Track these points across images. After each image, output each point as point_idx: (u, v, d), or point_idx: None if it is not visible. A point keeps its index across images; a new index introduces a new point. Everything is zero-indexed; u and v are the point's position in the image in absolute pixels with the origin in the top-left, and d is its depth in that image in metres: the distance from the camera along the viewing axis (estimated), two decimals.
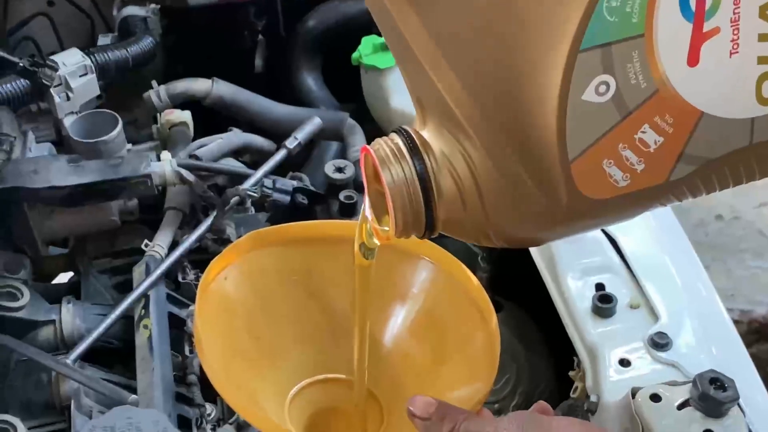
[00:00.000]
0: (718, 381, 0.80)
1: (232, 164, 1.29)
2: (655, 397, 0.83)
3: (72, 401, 1.05)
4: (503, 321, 1.27)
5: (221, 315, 0.80)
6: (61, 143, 1.31)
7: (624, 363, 0.91)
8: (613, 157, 0.51)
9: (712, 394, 0.79)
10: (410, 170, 0.56)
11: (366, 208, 0.63)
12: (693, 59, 0.48)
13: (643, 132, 0.50)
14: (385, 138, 0.59)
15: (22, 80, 1.23)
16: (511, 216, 0.56)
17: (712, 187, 0.53)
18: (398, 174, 0.56)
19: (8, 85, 1.22)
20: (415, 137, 0.57)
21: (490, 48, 0.51)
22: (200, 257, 1.19)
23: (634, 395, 0.84)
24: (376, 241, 0.66)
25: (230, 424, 0.99)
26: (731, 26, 0.47)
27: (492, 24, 0.50)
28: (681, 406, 0.81)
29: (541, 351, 1.26)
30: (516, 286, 1.29)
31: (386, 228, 0.61)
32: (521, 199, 0.54)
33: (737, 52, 0.48)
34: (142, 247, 1.19)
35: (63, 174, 1.15)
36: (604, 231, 1.06)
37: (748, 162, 0.52)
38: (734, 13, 0.47)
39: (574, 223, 0.56)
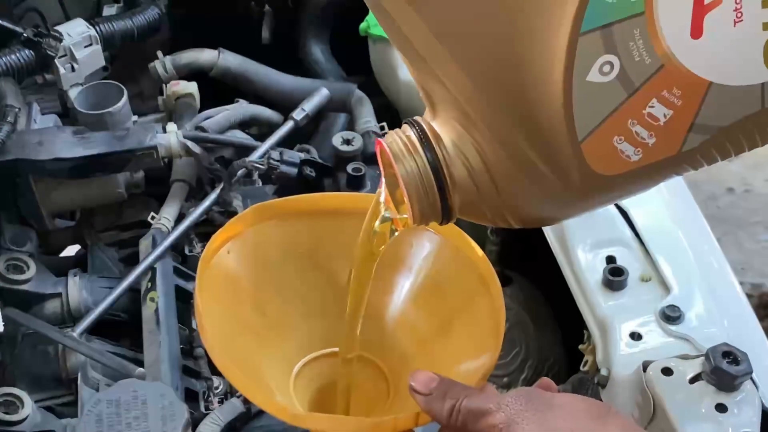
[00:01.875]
0: (731, 354, 0.79)
1: (239, 136, 1.28)
2: (667, 371, 0.82)
3: (79, 374, 1.05)
4: (512, 295, 1.27)
5: (225, 289, 0.79)
6: (67, 115, 1.30)
7: (635, 336, 0.90)
8: (623, 133, 0.51)
9: (725, 368, 0.78)
10: (423, 162, 0.57)
11: (382, 195, 0.64)
12: (696, 32, 0.48)
13: (652, 107, 0.50)
14: (397, 131, 0.60)
15: (26, 51, 1.22)
16: (526, 198, 0.57)
17: (727, 153, 0.53)
18: (412, 167, 0.58)
19: (12, 56, 1.21)
20: (426, 129, 0.58)
21: (491, 40, 0.52)
22: (207, 230, 1.18)
23: (645, 369, 0.83)
24: (395, 232, 0.67)
25: (237, 397, 0.98)
26: None
27: (491, 15, 0.51)
28: (693, 380, 0.80)
29: (550, 325, 1.26)
30: (525, 260, 1.28)
31: (405, 216, 0.62)
32: (535, 181, 0.55)
33: (741, 20, 0.48)
34: (149, 219, 1.18)
35: (68, 146, 1.14)
36: (615, 204, 1.05)
37: (762, 126, 0.52)
38: None
39: (589, 200, 0.57)
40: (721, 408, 0.78)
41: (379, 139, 0.61)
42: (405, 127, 0.60)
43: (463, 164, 0.56)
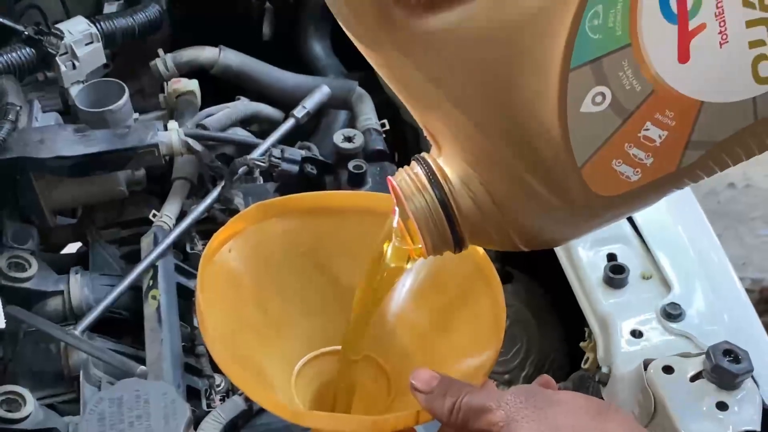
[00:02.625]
0: (731, 353, 0.80)
1: (240, 134, 1.28)
2: (668, 369, 0.82)
3: (81, 372, 1.05)
4: (514, 292, 1.27)
5: (226, 287, 0.79)
6: (68, 112, 1.30)
7: (636, 334, 0.90)
8: (621, 156, 0.53)
9: (726, 366, 0.78)
10: (432, 199, 0.60)
11: (395, 222, 0.66)
12: (683, 56, 0.49)
13: (647, 129, 0.52)
14: (406, 168, 0.63)
15: (27, 49, 1.22)
16: (533, 225, 0.59)
17: (725, 165, 0.55)
18: (422, 204, 0.61)
19: (13, 54, 1.21)
20: (433, 166, 0.61)
21: (486, 83, 0.54)
22: (208, 227, 1.18)
23: (646, 367, 0.83)
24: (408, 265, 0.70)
25: (239, 395, 0.98)
26: (716, 20, 0.48)
27: (484, 60, 0.53)
28: (694, 378, 0.81)
29: (551, 322, 1.26)
30: (527, 257, 1.28)
31: (419, 246, 0.64)
32: (540, 208, 0.57)
33: (727, 42, 0.49)
34: (150, 217, 1.18)
35: (70, 144, 1.14)
36: None
37: (758, 136, 0.53)
38: (717, 7, 0.48)
39: (594, 220, 0.59)
40: (722, 406, 0.78)
41: (390, 177, 0.64)
42: (413, 164, 0.63)
43: (470, 197, 0.59)
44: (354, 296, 0.75)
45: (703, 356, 0.81)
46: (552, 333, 1.25)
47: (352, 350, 0.76)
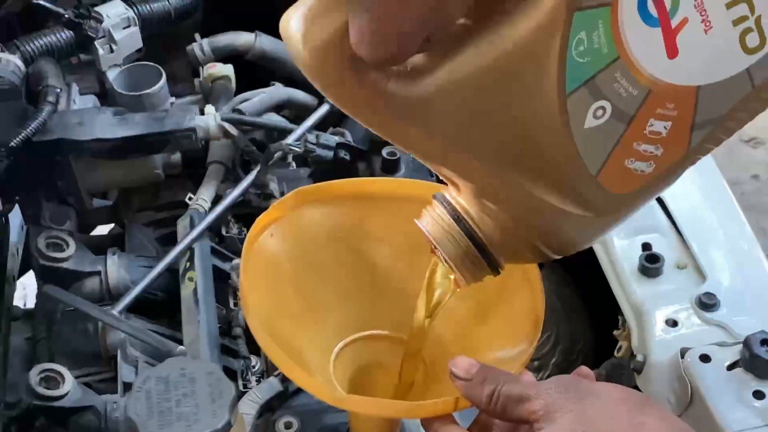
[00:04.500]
0: None
1: (275, 119, 1.29)
2: (705, 358, 0.82)
3: (118, 352, 1.07)
4: (543, 279, 1.28)
5: (267, 271, 0.80)
6: (104, 95, 1.31)
7: (671, 323, 0.91)
8: (632, 155, 0.55)
9: (764, 356, 0.79)
10: (461, 236, 0.62)
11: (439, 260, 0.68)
12: (672, 52, 0.50)
13: (651, 126, 0.54)
14: (429, 210, 0.65)
15: (65, 32, 1.23)
16: (561, 236, 0.61)
17: (731, 132, 0.56)
18: (452, 244, 0.63)
19: (53, 36, 1.22)
20: (453, 203, 0.62)
21: (488, 127, 0.54)
22: (243, 211, 1.19)
23: (683, 355, 0.84)
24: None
25: (275, 376, 1.00)
26: (697, 11, 0.49)
27: (481, 107, 0.53)
28: (731, 367, 0.81)
29: (580, 310, 1.26)
30: None
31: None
32: (565, 221, 0.58)
33: (711, 27, 0.50)
34: (186, 200, 1.19)
35: (108, 126, 1.15)
36: None
37: (759, 99, 0.54)
38: (696, 0, 0.49)
39: (618, 217, 0.61)
40: (759, 395, 0.79)
41: (417, 221, 0.66)
42: (435, 204, 0.65)
43: (495, 226, 0.60)
44: (397, 288, 0.76)
45: (740, 345, 0.82)
46: (581, 321, 1.25)
47: (413, 354, 0.78)
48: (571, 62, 0.50)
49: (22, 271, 1.35)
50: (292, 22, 0.50)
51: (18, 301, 1.32)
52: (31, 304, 1.31)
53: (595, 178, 0.55)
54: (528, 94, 0.52)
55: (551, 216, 0.58)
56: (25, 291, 1.64)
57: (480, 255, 0.63)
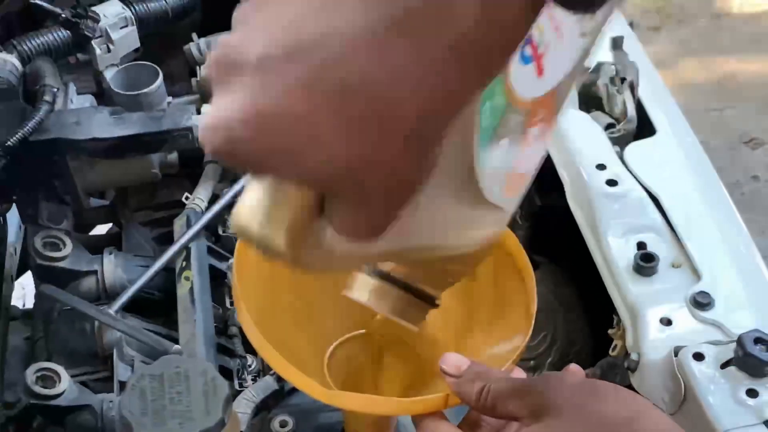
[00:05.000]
0: (762, 341, 0.80)
1: None
2: (699, 356, 0.83)
3: (114, 351, 1.07)
4: (540, 279, 1.27)
5: (260, 270, 0.80)
6: (102, 95, 1.31)
7: (665, 322, 0.91)
8: (521, 163, 0.57)
9: (757, 354, 0.79)
10: (391, 289, 0.65)
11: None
12: (540, 73, 0.52)
13: (532, 134, 0.55)
14: (352, 281, 0.67)
15: (62, 31, 1.24)
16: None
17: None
18: (387, 299, 0.66)
19: (50, 36, 1.23)
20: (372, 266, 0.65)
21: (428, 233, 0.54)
22: None
23: (676, 353, 0.84)
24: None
25: (271, 375, 1.00)
26: (555, 32, 0.51)
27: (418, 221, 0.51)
28: (724, 366, 0.81)
29: (577, 310, 1.26)
30: (553, 245, 1.29)
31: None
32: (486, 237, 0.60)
33: (562, 36, 0.51)
34: (183, 200, 1.19)
35: (105, 126, 1.15)
36: (646, 190, 1.05)
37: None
38: (554, 28, 0.51)
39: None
40: (752, 393, 0.79)
41: (346, 293, 0.68)
42: (355, 273, 0.67)
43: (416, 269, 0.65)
44: None
45: (734, 344, 0.82)
46: (577, 321, 1.25)
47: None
48: (481, 132, 0.52)
49: (21, 271, 1.35)
50: (250, 222, 0.48)
51: (16, 301, 1.33)
52: (29, 304, 1.31)
53: (503, 194, 0.56)
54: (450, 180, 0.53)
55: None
56: (24, 291, 1.64)
57: (416, 298, 0.66)
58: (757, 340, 0.80)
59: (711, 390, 0.80)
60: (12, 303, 1.27)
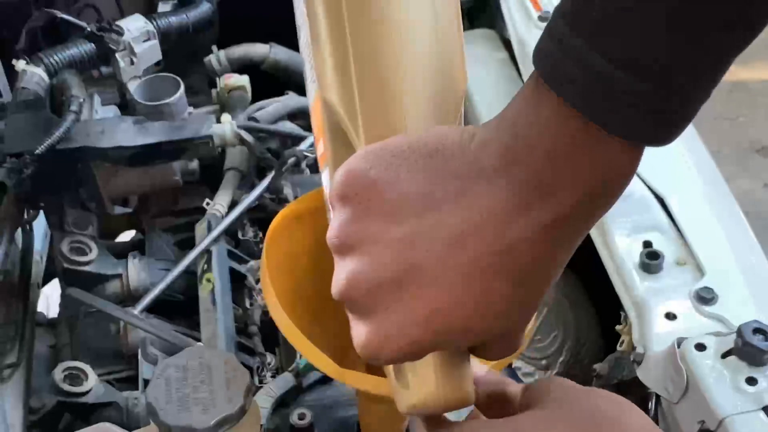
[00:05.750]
0: (761, 331, 0.83)
1: (289, 126, 1.33)
2: (700, 347, 0.85)
3: (139, 350, 1.11)
4: None
5: (286, 262, 0.84)
6: (125, 106, 1.36)
7: (670, 317, 0.94)
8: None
9: (756, 344, 0.82)
10: None
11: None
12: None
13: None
14: None
15: (87, 44, 1.28)
16: None
17: None
18: None
19: (75, 49, 1.27)
20: None
21: None
22: (259, 215, 1.24)
23: (679, 345, 0.87)
24: None
25: (289, 371, 1.03)
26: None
27: None
28: (725, 355, 0.84)
29: (587, 308, 1.29)
30: None
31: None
32: None
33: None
34: (204, 205, 1.24)
35: (129, 134, 1.20)
36: (652, 190, 1.09)
37: None
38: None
39: None
40: (751, 381, 0.82)
41: None
42: None
43: None
44: None
45: (734, 335, 0.85)
46: (588, 319, 1.28)
47: None
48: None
49: (46, 279, 1.39)
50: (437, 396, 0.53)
51: (40, 309, 1.36)
52: (53, 313, 1.35)
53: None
54: None
55: None
56: (48, 301, 1.68)
57: None
58: (756, 330, 0.83)
59: (712, 379, 0.83)
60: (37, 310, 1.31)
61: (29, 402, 1.12)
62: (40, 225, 1.35)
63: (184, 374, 0.77)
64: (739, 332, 0.84)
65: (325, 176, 0.67)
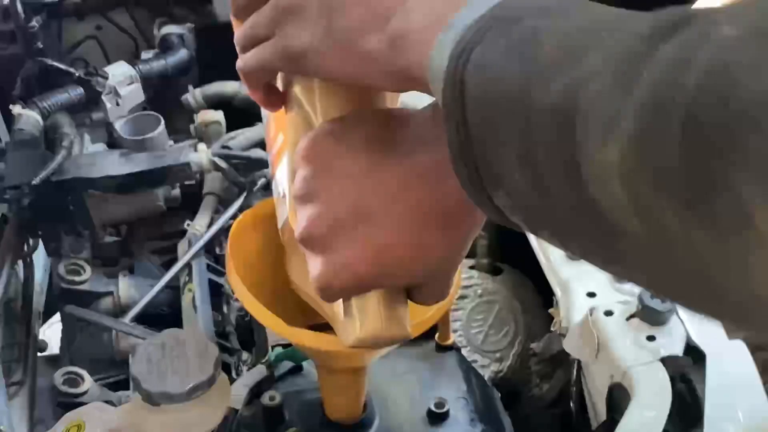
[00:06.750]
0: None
1: (259, 153, 1.47)
2: (608, 313, 0.99)
3: (129, 356, 1.24)
4: (502, 282, 1.45)
5: (249, 254, 0.96)
6: (113, 145, 1.50)
7: (591, 295, 1.07)
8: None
9: (653, 305, 0.95)
10: None
11: None
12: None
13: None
14: None
15: (76, 89, 1.43)
16: None
17: None
18: None
19: (65, 94, 1.42)
20: None
21: None
22: None
23: (591, 313, 1.00)
24: None
25: (262, 363, 1.16)
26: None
27: None
28: (629, 318, 0.97)
29: (538, 308, 1.42)
30: (513, 253, 1.46)
31: None
32: None
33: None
34: (185, 227, 1.37)
35: (116, 165, 1.34)
36: None
37: None
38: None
39: None
40: (651, 338, 0.95)
41: None
42: None
43: None
44: None
45: (636, 300, 0.98)
46: (539, 318, 1.41)
47: None
48: None
49: (48, 315, 1.50)
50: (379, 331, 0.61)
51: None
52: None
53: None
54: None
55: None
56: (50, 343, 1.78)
57: None
58: (654, 295, 0.96)
59: (619, 338, 0.96)
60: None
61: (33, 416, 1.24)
62: (39, 256, 1.48)
63: (162, 351, 0.90)
64: (640, 298, 0.97)
65: (281, 169, 0.80)
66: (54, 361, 1.39)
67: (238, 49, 0.62)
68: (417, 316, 0.73)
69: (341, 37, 0.53)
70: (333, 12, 0.53)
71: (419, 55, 0.49)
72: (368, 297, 0.61)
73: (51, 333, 1.54)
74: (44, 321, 1.48)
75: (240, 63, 0.62)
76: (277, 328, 0.83)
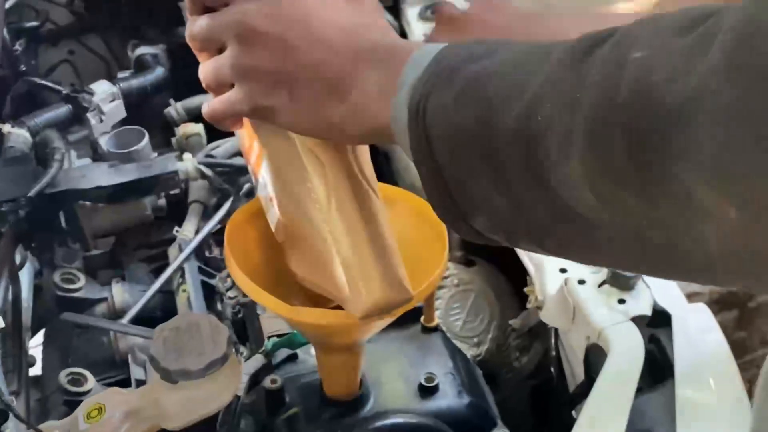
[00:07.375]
0: None
1: (242, 160, 1.55)
2: (581, 282, 1.08)
3: (129, 356, 1.30)
4: (475, 272, 1.54)
5: (246, 245, 1.02)
6: (98, 160, 1.56)
7: (563, 270, 1.16)
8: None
9: (623, 273, 1.05)
10: None
11: None
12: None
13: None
14: None
15: (62, 107, 1.50)
16: None
17: None
18: None
19: (52, 112, 1.49)
20: None
21: None
22: (222, 237, 1.43)
23: (566, 283, 1.10)
24: None
25: (260, 353, 1.23)
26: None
27: None
28: (600, 285, 1.07)
29: (511, 296, 1.51)
30: (483, 246, 1.54)
31: None
32: None
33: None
34: (174, 233, 1.44)
35: (106, 176, 1.40)
36: None
37: None
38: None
39: None
40: (621, 302, 1.05)
41: None
42: None
43: None
44: None
45: (607, 269, 1.08)
46: (512, 304, 1.50)
47: None
48: None
49: (34, 331, 1.54)
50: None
51: None
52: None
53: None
54: None
55: None
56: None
57: None
58: None
59: (592, 304, 1.05)
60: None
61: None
62: (24, 274, 1.52)
63: (177, 332, 0.97)
64: None
65: (262, 174, 0.87)
66: (37, 381, 1.44)
67: (203, 86, 0.67)
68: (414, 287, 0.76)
69: (305, 106, 0.59)
70: (292, 84, 0.59)
71: (382, 118, 0.56)
72: (369, 268, 0.67)
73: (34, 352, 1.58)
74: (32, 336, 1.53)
75: (207, 109, 0.67)
76: (279, 310, 0.88)
